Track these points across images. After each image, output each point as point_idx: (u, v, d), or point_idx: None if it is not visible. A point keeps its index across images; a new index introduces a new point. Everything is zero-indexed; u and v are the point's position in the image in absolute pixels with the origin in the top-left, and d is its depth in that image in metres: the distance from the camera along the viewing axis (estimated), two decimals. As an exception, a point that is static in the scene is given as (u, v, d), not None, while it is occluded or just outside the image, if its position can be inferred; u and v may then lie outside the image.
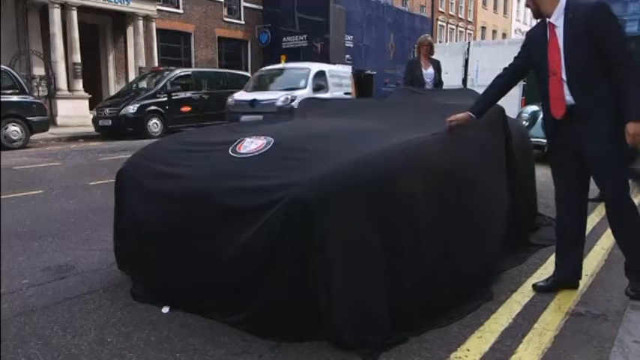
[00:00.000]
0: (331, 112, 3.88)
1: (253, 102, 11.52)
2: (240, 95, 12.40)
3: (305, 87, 11.77)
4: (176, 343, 2.30)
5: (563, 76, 2.66)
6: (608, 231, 4.18)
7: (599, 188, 2.78)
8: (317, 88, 12.03)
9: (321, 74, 12.77)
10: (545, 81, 2.76)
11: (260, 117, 10.03)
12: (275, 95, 11.48)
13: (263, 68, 14.24)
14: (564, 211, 2.92)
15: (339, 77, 13.49)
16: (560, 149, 2.84)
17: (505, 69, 3.03)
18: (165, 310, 2.60)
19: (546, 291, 2.93)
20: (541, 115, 8.21)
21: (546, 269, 3.31)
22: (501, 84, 3.02)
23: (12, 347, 2.26)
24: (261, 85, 12.76)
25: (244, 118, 10.71)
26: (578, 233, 2.94)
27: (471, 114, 2.99)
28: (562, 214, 2.94)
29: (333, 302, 2.20)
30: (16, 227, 4.22)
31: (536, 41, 2.82)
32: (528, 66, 2.96)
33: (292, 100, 10.77)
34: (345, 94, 13.31)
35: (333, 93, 12.45)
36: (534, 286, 2.99)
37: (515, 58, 2.99)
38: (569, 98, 2.67)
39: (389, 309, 2.31)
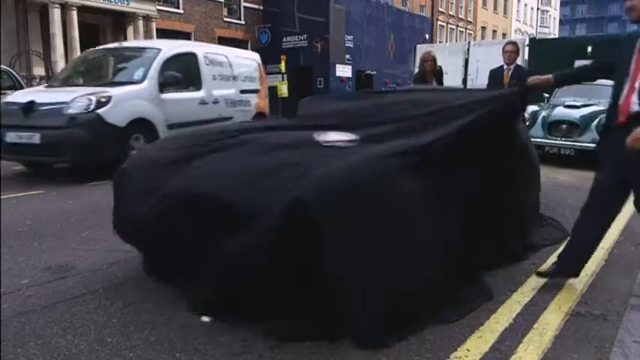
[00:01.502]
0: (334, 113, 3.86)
1: (29, 107, 6.32)
2: (18, 95, 7.06)
3: (142, 81, 6.86)
4: (176, 343, 2.30)
5: (636, 85, 2.69)
6: (609, 231, 4.21)
7: (635, 194, 2.79)
8: (170, 83, 7.14)
9: (183, 60, 7.71)
10: (620, 87, 2.79)
11: (36, 136, 6.09)
12: (69, 96, 6.35)
13: (90, 50, 8.54)
14: (593, 207, 2.93)
15: (231, 67, 8.54)
16: (611, 153, 2.86)
17: (597, 61, 3.29)
18: (205, 319, 2.51)
19: (544, 276, 3.03)
20: (542, 115, 8.36)
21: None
22: (589, 69, 3.23)
23: (12, 347, 2.26)
24: (76, 76, 7.81)
25: (10, 137, 6.28)
26: (596, 234, 2.99)
27: (551, 78, 3.16)
28: (590, 209, 2.95)
29: (336, 300, 2.22)
30: (16, 227, 4.22)
31: (623, 49, 2.85)
32: (612, 69, 3.01)
33: (102, 105, 6.22)
34: (243, 92, 8.72)
35: (211, 91, 7.94)
36: (537, 273, 3.10)
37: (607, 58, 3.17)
38: (634, 107, 2.69)
39: (391, 305, 2.32)
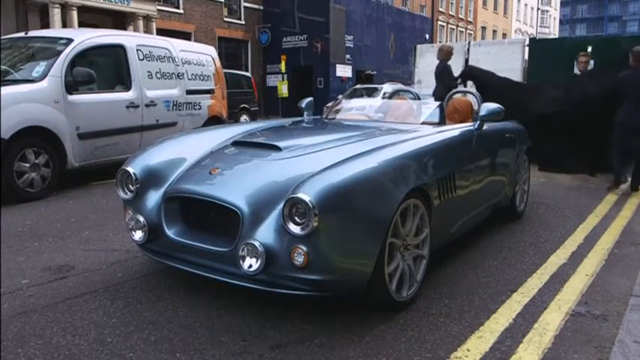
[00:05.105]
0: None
1: None
2: None
3: (41, 79, 5.52)
4: (176, 343, 2.30)
5: None
6: (608, 231, 4.23)
7: None
8: (82, 82, 5.80)
9: (105, 54, 6.57)
10: None
11: None
12: None
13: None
14: None
15: (174, 62, 7.36)
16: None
17: None
18: None
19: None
20: None
21: (546, 269, 3.32)
22: None
23: (12, 347, 2.26)
24: None
25: None
26: None
27: None
28: None
29: None
30: (16, 227, 4.22)
31: None
32: None
33: None
34: (191, 92, 7.57)
35: (145, 91, 6.71)
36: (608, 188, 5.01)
37: None
38: None
39: None
